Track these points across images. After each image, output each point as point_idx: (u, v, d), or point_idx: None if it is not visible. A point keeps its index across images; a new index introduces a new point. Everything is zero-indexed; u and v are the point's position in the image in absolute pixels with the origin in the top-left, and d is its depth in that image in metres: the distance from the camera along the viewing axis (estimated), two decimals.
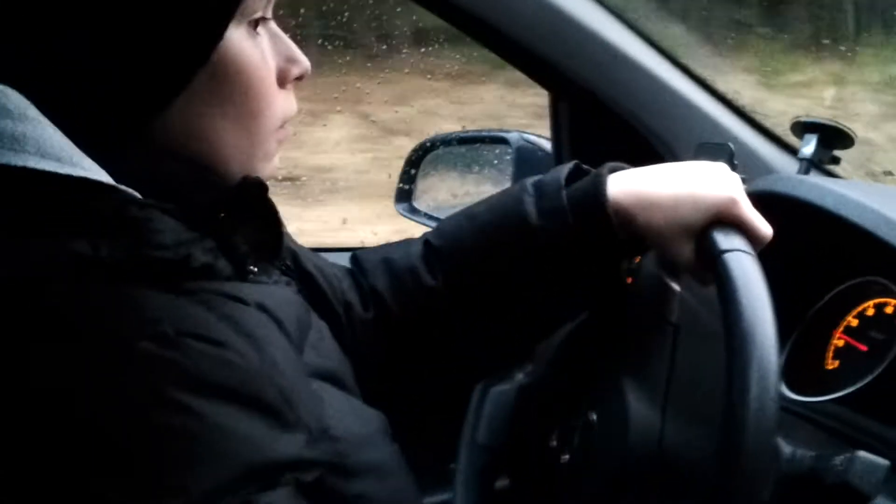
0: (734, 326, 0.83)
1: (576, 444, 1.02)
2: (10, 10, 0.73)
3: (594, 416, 0.99)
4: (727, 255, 0.88)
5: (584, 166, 1.02)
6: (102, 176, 0.74)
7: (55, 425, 0.67)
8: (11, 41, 0.73)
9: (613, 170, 1.00)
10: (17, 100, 0.72)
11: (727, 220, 0.92)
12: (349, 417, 0.82)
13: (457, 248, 1.03)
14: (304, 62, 0.85)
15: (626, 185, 0.98)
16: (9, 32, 0.73)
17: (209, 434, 0.67)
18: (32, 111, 0.73)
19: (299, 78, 0.85)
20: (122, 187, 0.74)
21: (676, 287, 0.97)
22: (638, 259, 1.05)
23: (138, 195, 0.74)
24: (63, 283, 0.69)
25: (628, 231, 0.97)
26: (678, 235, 0.94)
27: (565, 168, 1.02)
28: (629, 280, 1.05)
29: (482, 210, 1.04)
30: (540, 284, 1.00)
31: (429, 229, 1.09)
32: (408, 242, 1.07)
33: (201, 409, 0.68)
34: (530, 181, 1.02)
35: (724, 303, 0.84)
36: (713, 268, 0.88)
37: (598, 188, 0.97)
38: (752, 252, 0.89)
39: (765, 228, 0.95)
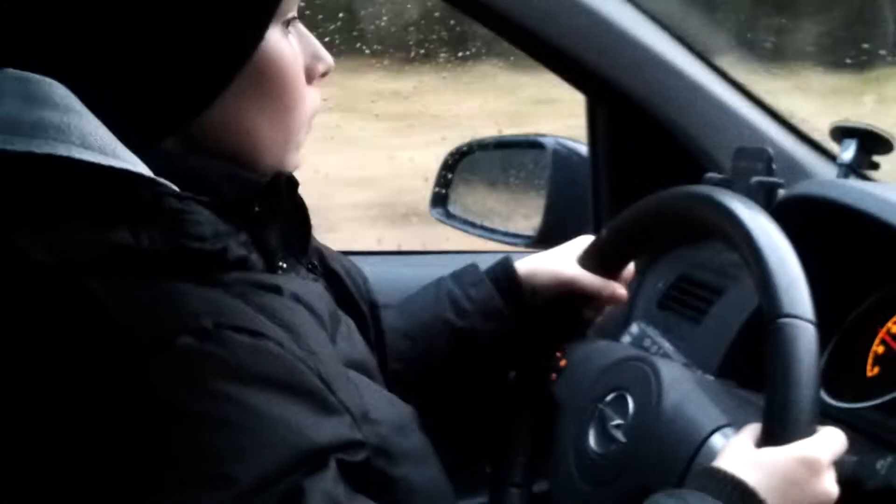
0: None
1: None
2: (58, 9, 0.74)
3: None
4: None
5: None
6: (142, 168, 0.75)
7: (98, 421, 0.68)
8: (61, 40, 0.75)
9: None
10: (61, 92, 0.74)
11: None
12: (383, 404, 0.84)
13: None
14: (329, 59, 0.88)
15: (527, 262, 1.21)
16: (58, 32, 0.75)
17: (254, 423, 0.69)
18: (76, 103, 0.74)
19: (324, 74, 0.88)
20: (161, 180, 0.75)
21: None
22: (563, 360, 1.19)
23: (176, 188, 0.76)
24: (102, 274, 0.71)
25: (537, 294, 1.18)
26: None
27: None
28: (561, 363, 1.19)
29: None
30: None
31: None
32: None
33: (244, 399, 0.69)
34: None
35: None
36: None
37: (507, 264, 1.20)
38: None
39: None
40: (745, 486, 0.82)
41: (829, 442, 0.86)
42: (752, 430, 0.87)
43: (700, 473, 0.87)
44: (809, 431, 0.85)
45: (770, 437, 0.85)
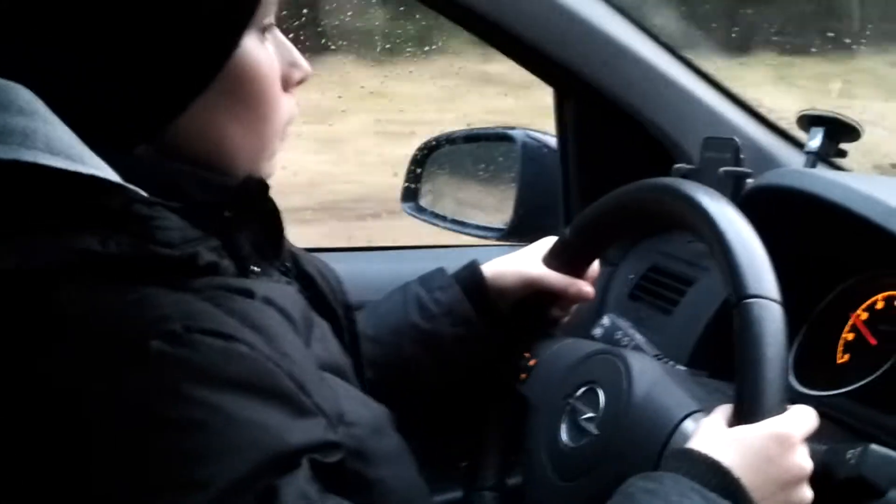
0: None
1: None
2: (34, 16, 0.74)
3: None
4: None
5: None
6: (110, 174, 0.74)
7: (71, 427, 0.67)
8: (33, 46, 0.74)
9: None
10: (26, 96, 0.73)
11: None
12: (359, 406, 0.83)
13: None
14: (306, 67, 0.87)
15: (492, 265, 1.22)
16: (33, 37, 0.74)
17: (226, 427, 0.68)
18: (42, 108, 0.73)
19: (300, 82, 0.87)
20: (130, 186, 0.75)
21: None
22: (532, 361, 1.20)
23: (145, 194, 0.75)
24: (72, 280, 0.70)
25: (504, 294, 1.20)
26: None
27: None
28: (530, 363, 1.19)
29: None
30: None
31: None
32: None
33: (217, 402, 0.69)
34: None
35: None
36: None
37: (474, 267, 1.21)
38: None
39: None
40: (719, 465, 0.82)
41: (800, 418, 0.87)
42: (724, 410, 0.88)
43: (674, 455, 0.88)
44: (780, 409, 0.86)
45: (741, 416, 0.86)
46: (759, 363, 0.86)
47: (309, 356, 0.80)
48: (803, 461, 0.86)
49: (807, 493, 0.86)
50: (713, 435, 0.86)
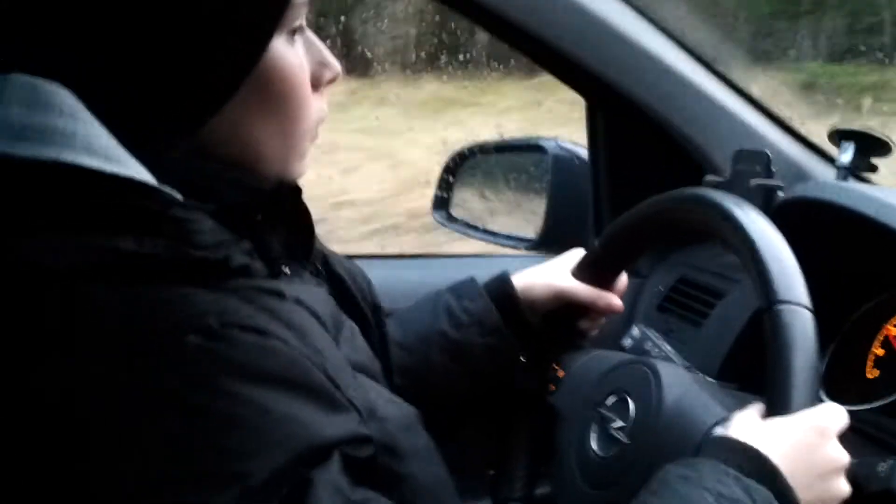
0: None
1: None
2: (70, 18, 0.74)
3: None
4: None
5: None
6: (147, 176, 0.76)
7: (109, 422, 0.68)
8: (70, 48, 0.75)
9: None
10: (67, 98, 0.74)
11: None
12: (389, 404, 0.84)
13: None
14: (336, 66, 0.88)
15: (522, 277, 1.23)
16: (68, 38, 0.75)
17: (262, 421, 0.69)
18: (83, 110, 0.74)
19: (331, 81, 0.88)
20: (165, 189, 0.76)
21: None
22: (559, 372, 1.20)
23: (180, 196, 0.76)
24: (107, 279, 0.71)
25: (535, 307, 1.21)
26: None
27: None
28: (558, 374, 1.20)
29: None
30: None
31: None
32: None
33: (252, 396, 0.70)
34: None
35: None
36: None
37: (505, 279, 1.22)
38: None
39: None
40: (757, 452, 0.83)
41: (833, 413, 0.88)
42: (758, 406, 0.89)
43: (712, 443, 0.88)
44: (813, 402, 0.86)
45: (775, 408, 0.86)
46: (788, 369, 0.86)
47: (340, 354, 0.81)
48: (840, 453, 0.86)
49: (844, 485, 0.86)
50: (749, 425, 0.87)
